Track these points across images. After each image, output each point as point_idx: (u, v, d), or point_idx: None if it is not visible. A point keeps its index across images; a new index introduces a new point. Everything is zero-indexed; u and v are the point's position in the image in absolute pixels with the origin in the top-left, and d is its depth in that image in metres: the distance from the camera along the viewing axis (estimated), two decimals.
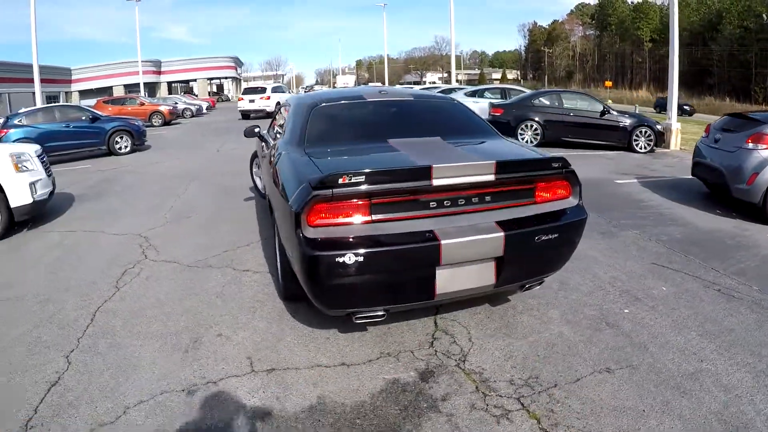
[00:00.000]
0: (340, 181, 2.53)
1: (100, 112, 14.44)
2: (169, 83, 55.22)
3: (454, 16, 27.20)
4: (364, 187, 2.57)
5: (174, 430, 2.38)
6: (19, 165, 5.73)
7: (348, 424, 2.36)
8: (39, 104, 18.06)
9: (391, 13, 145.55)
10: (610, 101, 34.63)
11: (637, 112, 13.48)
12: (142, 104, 24.51)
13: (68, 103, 14.31)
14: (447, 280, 2.74)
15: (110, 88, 45.15)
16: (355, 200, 2.62)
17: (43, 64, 38.79)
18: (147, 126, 20.49)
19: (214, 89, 65.70)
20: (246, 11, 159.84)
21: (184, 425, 2.41)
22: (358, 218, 2.65)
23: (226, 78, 63.43)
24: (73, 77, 46.35)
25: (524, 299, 3.64)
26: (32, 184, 5.79)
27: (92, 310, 3.67)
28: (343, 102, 4.05)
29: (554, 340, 3.07)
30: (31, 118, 12.43)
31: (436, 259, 2.62)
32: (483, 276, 2.82)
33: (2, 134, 11.85)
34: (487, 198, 2.86)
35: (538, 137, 11.85)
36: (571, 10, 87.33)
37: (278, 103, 6.13)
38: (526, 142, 11.87)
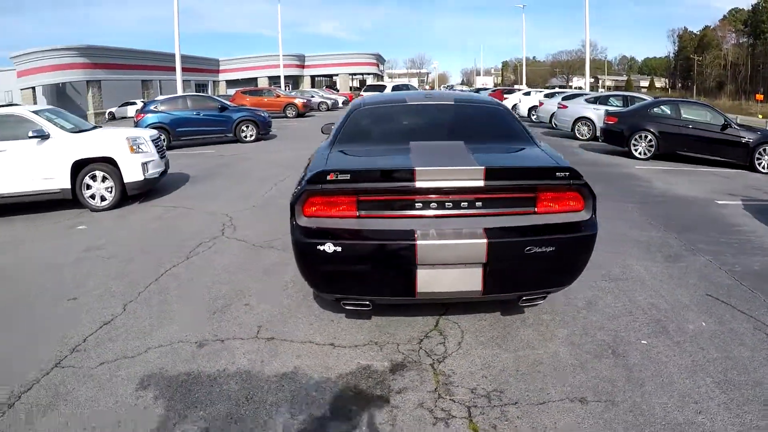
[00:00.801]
0: (328, 177, 2.77)
1: (228, 102, 16.21)
2: (312, 77, 58.93)
3: (603, 19, 25.76)
4: (350, 185, 2.78)
5: (172, 370, 2.86)
6: (135, 147, 6.86)
7: (303, 394, 2.62)
8: (180, 92, 20.82)
9: (536, 15, 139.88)
10: (760, 116, 29.90)
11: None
12: (278, 96, 26.66)
13: (200, 93, 16.28)
14: (429, 281, 2.82)
15: (255, 79, 49.48)
16: (343, 196, 2.83)
17: (192, 54, 44.51)
18: (281, 117, 22.47)
19: (357, 84, 68.59)
20: (394, 8, 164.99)
21: (180, 367, 2.89)
22: (345, 213, 2.85)
23: (368, 74, 66.16)
24: (221, 68, 51.78)
25: (539, 313, 3.53)
26: (144, 164, 6.90)
27: (160, 273, 4.38)
28: (384, 105, 4.24)
29: (544, 359, 2.95)
30: (166, 105, 14.41)
31: (412, 258, 2.72)
32: (468, 281, 2.83)
33: (139, 118, 13.93)
34: (478, 203, 2.85)
35: (653, 149, 10.83)
36: (724, 16, 76.39)
37: None
38: (640, 154, 10.92)
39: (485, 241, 2.72)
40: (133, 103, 34.20)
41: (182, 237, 5.42)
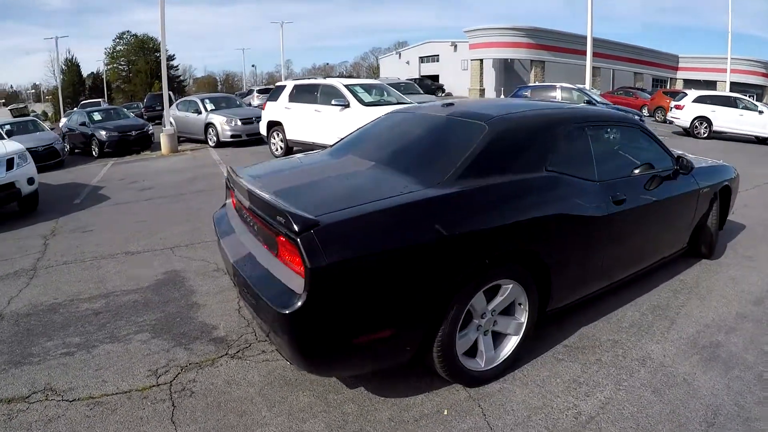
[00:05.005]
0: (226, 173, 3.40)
1: (601, 99, 15.39)
2: None
3: None
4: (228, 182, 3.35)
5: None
6: None
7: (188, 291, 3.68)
8: (588, 80, 20.70)
9: None
10: None
11: None
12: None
13: (579, 86, 15.62)
14: None
15: (714, 82, 41.65)
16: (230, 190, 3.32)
17: (652, 48, 41.42)
18: None
19: None
20: None
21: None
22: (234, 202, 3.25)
23: None
24: (680, 65, 45.68)
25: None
26: None
27: None
28: (395, 113, 3.94)
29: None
30: (535, 94, 15.09)
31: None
32: None
33: None
34: (258, 225, 2.62)
35: None
36: None
37: None
38: None
39: (231, 260, 2.74)
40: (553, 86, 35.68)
41: None
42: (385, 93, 10.22)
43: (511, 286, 2.63)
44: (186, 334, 3.35)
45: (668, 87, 41.23)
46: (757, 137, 14.76)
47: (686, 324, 3.35)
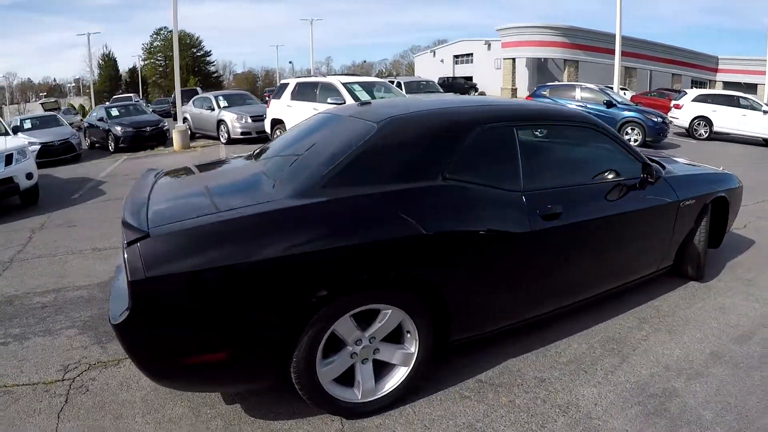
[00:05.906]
0: None
1: (622, 99, 14.84)
2: None
3: None
4: None
5: None
6: None
7: None
8: (616, 80, 19.96)
9: None
10: None
11: None
12: None
13: (599, 87, 15.03)
14: None
15: (754, 85, 39.25)
16: None
17: (691, 49, 39.87)
18: None
19: None
20: None
21: None
22: None
23: None
24: (720, 66, 43.59)
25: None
26: None
27: None
28: (320, 114, 3.53)
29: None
30: (554, 93, 14.60)
31: None
32: None
33: (528, 100, 14.88)
34: None
35: None
36: None
37: None
38: None
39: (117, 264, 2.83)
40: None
41: None
42: (387, 92, 10.10)
43: (390, 311, 2.33)
44: (109, 333, 3.34)
45: (706, 89, 39.52)
46: (764, 140, 13.75)
47: (641, 363, 2.77)
